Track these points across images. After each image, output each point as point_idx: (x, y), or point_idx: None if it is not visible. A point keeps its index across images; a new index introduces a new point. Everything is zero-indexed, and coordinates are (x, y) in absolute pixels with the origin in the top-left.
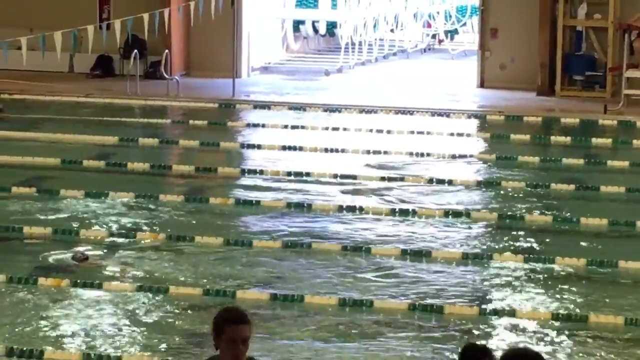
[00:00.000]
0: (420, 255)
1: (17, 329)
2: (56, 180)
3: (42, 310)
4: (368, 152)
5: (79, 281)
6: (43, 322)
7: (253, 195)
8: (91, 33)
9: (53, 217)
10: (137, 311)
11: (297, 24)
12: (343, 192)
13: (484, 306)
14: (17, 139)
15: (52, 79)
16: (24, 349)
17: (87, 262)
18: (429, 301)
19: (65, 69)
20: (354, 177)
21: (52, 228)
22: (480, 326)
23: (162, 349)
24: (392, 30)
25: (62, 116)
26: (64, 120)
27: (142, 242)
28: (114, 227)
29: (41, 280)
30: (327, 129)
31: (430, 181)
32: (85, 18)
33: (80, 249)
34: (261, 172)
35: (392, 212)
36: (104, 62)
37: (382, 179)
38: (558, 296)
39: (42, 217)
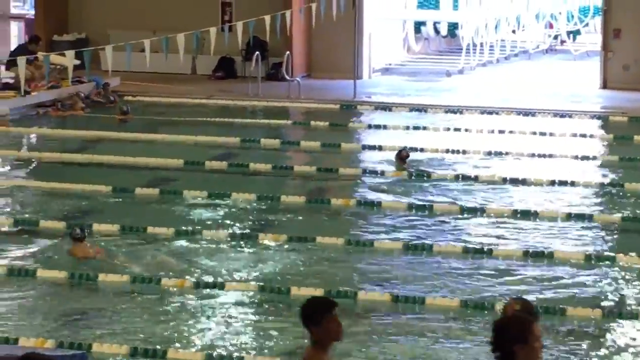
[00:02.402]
0: (542, 257)
1: (140, 329)
2: (179, 181)
3: (165, 310)
4: (489, 153)
5: (201, 281)
6: (165, 322)
7: (374, 196)
8: (213, 35)
9: (175, 217)
10: (258, 312)
11: (418, 25)
12: (464, 193)
13: (607, 309)
14: (140, 140)
15: (175, 81)
16: (148, 348)
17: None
18: (551, 303)
19: (187, 70)
20: (475, 179)
21: (174, 229)
22: (604, 328)
23: (282, 351)
24: (513, 31)
25: (185, 117)
26: (187, 122)
27: (264, 242)
28: (236, 227)
29: (164, 281)
30: (448, 129)
31: (552, 183)
32: (207, 20)
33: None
34: (382, 173)
35: (514, 213)
36: (226, 63)
37: (503, 180)
38: None
39: (165, 218)
